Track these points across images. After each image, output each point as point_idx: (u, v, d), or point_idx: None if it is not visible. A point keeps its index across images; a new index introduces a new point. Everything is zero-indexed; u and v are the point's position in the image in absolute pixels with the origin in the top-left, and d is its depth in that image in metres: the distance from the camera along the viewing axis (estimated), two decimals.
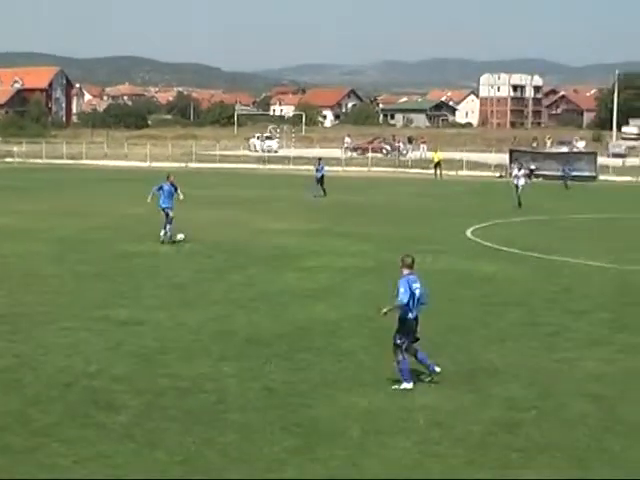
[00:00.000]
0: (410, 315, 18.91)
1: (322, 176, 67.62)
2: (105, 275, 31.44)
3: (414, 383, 18.74)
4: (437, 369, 19.15)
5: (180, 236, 37.36)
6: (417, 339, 19.25)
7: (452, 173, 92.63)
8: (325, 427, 16.52)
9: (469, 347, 22.60)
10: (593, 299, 28.99)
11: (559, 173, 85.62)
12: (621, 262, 36.01)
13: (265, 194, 66.04)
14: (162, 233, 37.44)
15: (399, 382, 18.84)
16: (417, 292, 18.90)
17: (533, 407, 17.89)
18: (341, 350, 22.08)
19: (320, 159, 71.20)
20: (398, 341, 18.89)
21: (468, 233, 44.83)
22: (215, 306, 26.98)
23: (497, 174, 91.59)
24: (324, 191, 65.57)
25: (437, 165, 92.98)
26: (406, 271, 19.03)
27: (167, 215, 37.78)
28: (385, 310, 19.05)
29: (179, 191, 39.26)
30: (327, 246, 39.25)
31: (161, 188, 38.11)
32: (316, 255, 36.68)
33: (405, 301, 18.58)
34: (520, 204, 56.94)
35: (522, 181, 57.87)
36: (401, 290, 18.59)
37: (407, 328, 18.91)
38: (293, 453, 15.21)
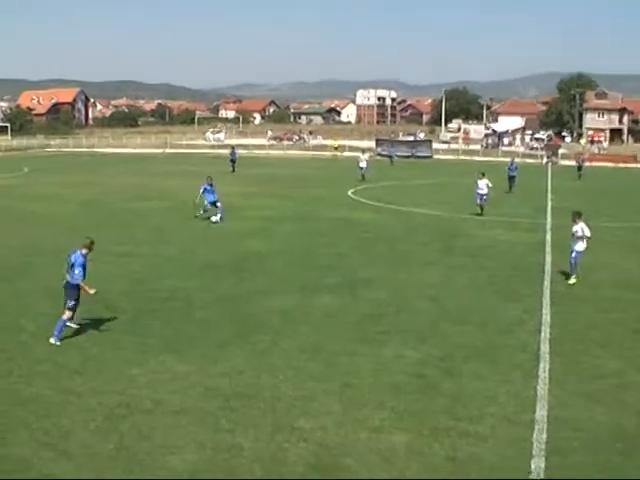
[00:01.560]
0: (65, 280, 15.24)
1: (234, 159, 62.49)
2: (110, 223, 30.98)
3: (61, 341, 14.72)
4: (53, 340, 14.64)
5: (214, 218, 31.74)
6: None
7: (338, 154, 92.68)
8: (256, 320, 16.54)
9: (352, 267, 22.67)
10: (431, 235, 29.27)
11: (405, 154, 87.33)
12: (448, 211, 36.38)
13: (215, 169, 65.29)
14: (214, 219, 31.63)
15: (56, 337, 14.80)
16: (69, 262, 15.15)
17: (392, 304, 18.05)
18: (267, 269, 22.06)
19: (233, 147, 67.23)
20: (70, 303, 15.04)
21: (349, 193, 44.84)
22: (184, 243, 26.75)
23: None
24: (234, 169, 60.89)
25: (336, 148, 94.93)
26: (84, 250, 15.18)
27: (216, 206, 32.25)
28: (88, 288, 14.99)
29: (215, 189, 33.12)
30: (258, 202, 39.02)
31: (205, 190, 32.52)
32: (251, 208, 36.41)
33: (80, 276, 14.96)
34: (364, 178, 54.53)
35: (364, 163, 56.86)
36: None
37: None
38: (235, 337, 15.28)
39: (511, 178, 48.15)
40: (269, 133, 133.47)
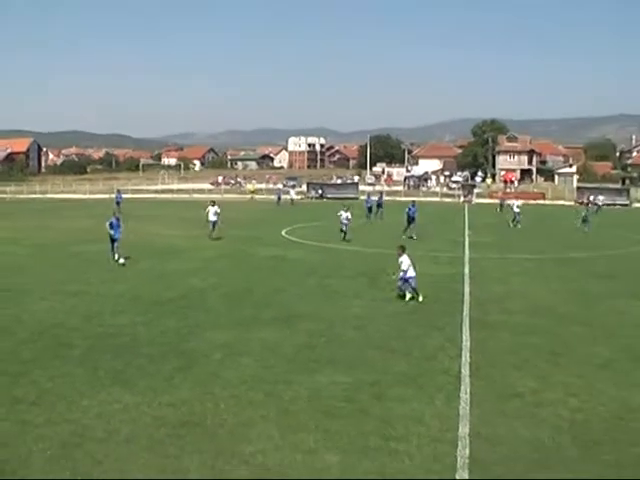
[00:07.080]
0: None
1: (119, 202, 61.30)
2: (62, 264, 30.60)
3: None
4: None
5: (121, 260, 30.81)
6: None
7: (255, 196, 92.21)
8: (199, 353, 16.54)
9: (286, 302, 22.79)
10: (357, 270, 29.49)
11: (334, 195, 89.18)
12: (372, 247, 36.83)
13: (162, 212, 65.11)
14: (122, 261, 30.67)
15: None
16: None
17: (323, 335, 18.28)
18: (208, 306, 21.99)
19: (119, 190, 66.83)
20: None
21: (283, 233, 45.09)
22: (131, 281, 26.38)
23: (298, 196, 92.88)
24: (119, 213, 52.32)
25: (252, 192, 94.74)
26: None
27: (114, 245, 31.59)
28: None
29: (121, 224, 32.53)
30: (198, 244, 39.04)
31: (111, 225, 31.56)
32: (191, 250, 36.36)
33: None
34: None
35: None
36: None
37: None
38: (179, 369, 15.28)
39: (411, 219, 43.52)
40: (220, 179, 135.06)
